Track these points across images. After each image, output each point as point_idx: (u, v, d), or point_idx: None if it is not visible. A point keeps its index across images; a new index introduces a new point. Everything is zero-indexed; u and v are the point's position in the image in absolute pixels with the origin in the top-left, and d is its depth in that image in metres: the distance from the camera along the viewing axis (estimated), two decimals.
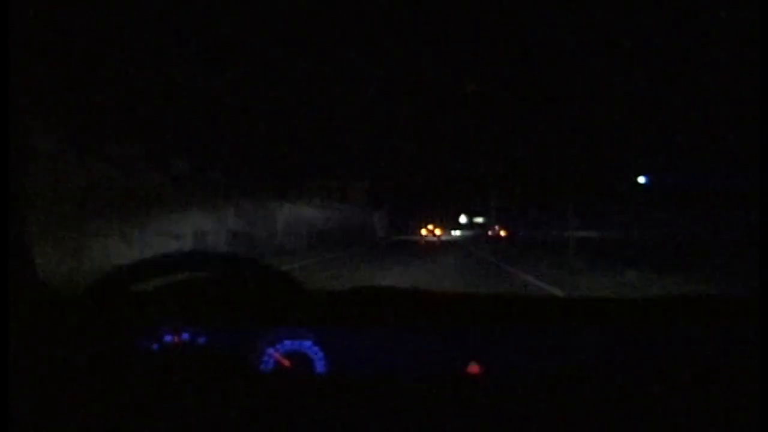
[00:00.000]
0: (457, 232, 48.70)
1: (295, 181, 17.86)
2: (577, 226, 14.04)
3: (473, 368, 0.87)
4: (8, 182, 0.83)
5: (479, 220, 45.50)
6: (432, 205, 46.68)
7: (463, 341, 0.91)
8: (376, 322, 0.94)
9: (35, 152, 6.36)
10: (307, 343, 0.91)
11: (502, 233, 29.35)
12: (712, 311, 0.96)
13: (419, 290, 1.03)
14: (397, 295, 1.02)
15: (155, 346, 0.89)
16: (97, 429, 0.70)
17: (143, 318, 0.92)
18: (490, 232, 31.43)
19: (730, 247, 8.57)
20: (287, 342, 0.91)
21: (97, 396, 0.73)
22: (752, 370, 0.78)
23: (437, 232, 39.16)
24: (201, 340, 0.90)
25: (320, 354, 0.90)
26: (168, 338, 0.90)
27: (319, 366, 0.90)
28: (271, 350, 0.90)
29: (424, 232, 39.13)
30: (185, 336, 0.90)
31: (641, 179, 13.10)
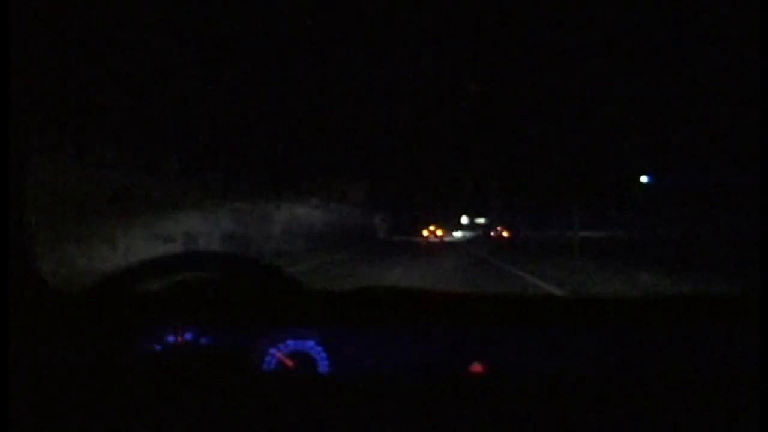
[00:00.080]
0: (458, 233, 48.53)
1: (293, 181, 17.60)
2: (581, 225, 13.98)
3: (476, 368, 0.87)
4: (8, 182, 0.83)
5: (481, 220, 45.35)
6: (433, 205, 46.62)
7: (465, 341, 0.91)
8: (378, 322, 0.94)
9: (35, 153, 6.34)
10: (310, 343, 0.91)
11: (505, 234, 29.36)
12: (712, 311, 0.96)
13: (422, 290, 1.04)
14: (400, 295, 1.02)
15: (158, 347, 0.90)
16: (97, 430, 0.70)
17: (146, 318, 0.93)
18: (492, 233, 31.42)
19: (738, 246, 8.49)
20: (290, 342, 0.91)
21: (98, 397, 0.73)
22: (752, 370, 0.78)
23: (439, 232, 39.07)
24: (204, 340, 0.91)
25: (323, 354, 0.90)
26: (171, 338, 0.90)
27: (322, 366, 0.90)
28: (274, 350, 0.91)
29: (425, 233, 39.04)
30: (188, 336, 0.90)
31: (644, 178, 13.04)
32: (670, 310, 0.96)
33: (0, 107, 0.81)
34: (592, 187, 15.37)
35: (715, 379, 0.77)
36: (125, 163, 8.70)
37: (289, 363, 0.90)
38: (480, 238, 35.12)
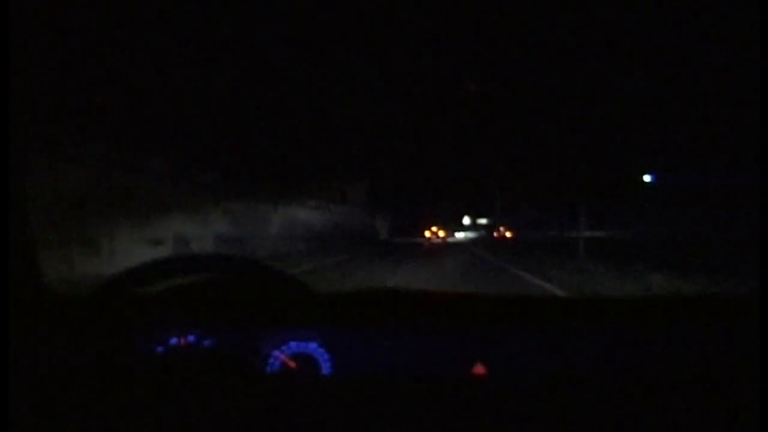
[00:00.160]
0: (460, 234, 48.47)
1: (291, 181, 17.30)
2: (585, 225, 13.94)
3: (479, 369, 0.87)
4: (8, 182, 0.83)
5: (483, 221, 45.31)
6: (434, 206, 46.56)
7: (467, 342, 0.91)
8: (381, 323, 0.94)
9: (35, 153, 6.32)
10: (313, 344, 0.91)
11: (508, 234, 29.34)
12: (712, 311, 0.96)
13: (424, 291, 1.04)
14: (402, 296, 1.02)
15: (160, 349, 0.90)
16: (97, 431, 0.70)
17: (148, 320, 0.93)
18: (495, 234, 31.41)
19: (739, 246, 8.43)
20: (293, 343, 0.92)
21: (100, 399, 0.73)
22: (752, 370, 0.78)
23: (441, 233, 39.02)
24: (206, 342, 0.91)
25: (326, 355, 0.91)
26: (173, 340, 0.90)
27: (325, 367, 0.90)
28: (276, 352, 0.91)
29: (427, 234, 38.98)
30: (191, 338, 0.91)
31: (647, 178, 12.98)
32: (670, 310, 0.97)
33: (0, 107, 0.81)
34: (593, 187, 15.33)
35: (715, 379, 0.78)
36: (118, 163, 8.44)
37: (292, 364, 0.90)
38: (483, 238, 35.10)
